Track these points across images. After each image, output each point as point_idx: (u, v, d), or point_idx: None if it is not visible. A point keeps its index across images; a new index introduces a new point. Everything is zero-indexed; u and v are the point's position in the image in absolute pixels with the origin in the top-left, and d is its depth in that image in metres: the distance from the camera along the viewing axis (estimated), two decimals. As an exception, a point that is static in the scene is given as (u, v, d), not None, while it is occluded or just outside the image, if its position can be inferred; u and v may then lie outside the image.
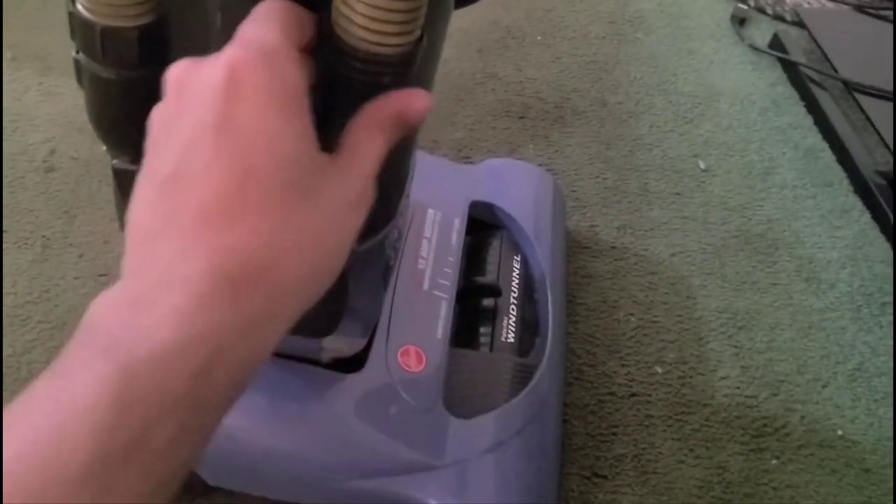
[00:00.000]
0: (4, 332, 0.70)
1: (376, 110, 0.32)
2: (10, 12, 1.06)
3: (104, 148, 0.92)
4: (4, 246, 0.77)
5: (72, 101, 0.94)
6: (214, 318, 0.24)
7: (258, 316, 0.26)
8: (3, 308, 0.71)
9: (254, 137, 0.26)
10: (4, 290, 0.73)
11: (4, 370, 0.67)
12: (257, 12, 0.30)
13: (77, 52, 0.38)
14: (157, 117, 0.29)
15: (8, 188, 0.83)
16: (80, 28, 0.36)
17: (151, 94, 0.40)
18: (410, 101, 0.33)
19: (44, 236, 0.78)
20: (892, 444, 0.71)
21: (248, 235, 0.26)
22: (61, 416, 0.22)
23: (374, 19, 0.31)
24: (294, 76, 0.28)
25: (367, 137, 0.31)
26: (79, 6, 0.36)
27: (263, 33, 0.29)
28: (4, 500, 0.21)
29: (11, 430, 0.22)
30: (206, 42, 0.35)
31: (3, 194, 0.82)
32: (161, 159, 0.27)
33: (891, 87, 1.05)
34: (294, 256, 0.27)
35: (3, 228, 0.78)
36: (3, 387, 0.65)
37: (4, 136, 0.88)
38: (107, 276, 0.75)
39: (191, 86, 0.28)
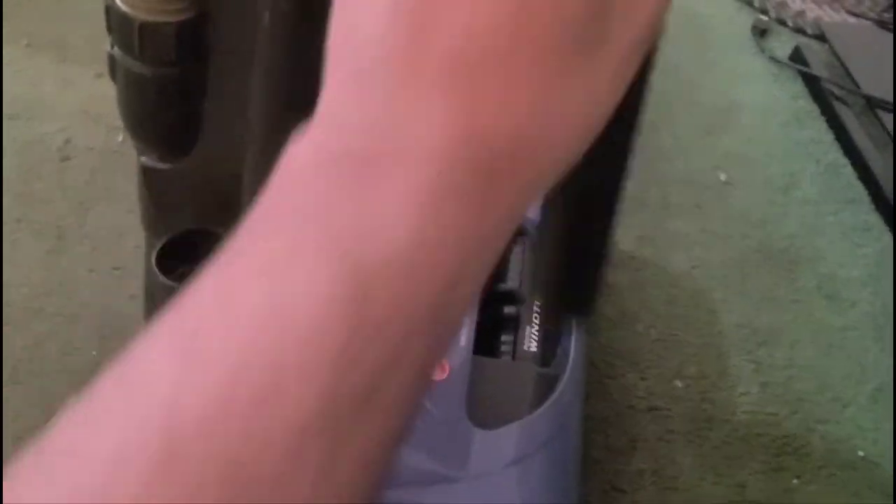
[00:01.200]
0: (18, 323, 0.68)
1: None
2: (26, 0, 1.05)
3: (120, 139, 0.92)
4: (19, 236, 0.76)
5: (88, 91, 0.92)
6: (465, 214, 0.18)
7: (506, 216, 0.19)
8: (17, 299, 0.70)
9: None
10: (18, 281, 0.72)
11: (17, 363, 0.66)
12: None
13: (112, 47, 0.37)
14: None
15: (22, 177, 0.82)
16: (117, 22, 0.35)
17: (185, 91, 0.39)
18: None
19: (58, 227, 0.77)
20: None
21: (516, 103, 0.19)
22: (281, 346, 0.16)
23: None
24: None
25: None
26: (117, 0, 0.35)
27: None
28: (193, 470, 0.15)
29: (204, 352, 0.16)
30: (251, 41, 0.34)
31: (18, 184, 0.81)
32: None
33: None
34: (561, 136, 0.20)
35: (18, 218, 0.77)
36: (18, 379, 0.64)
37: (20, 125, 0.87)
38: (121, 269, 0.74)
39: None
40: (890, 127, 1.03)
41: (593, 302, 0.35)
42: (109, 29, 0.36)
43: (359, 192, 0.18)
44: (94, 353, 0.67)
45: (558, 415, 0.59)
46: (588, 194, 0.31)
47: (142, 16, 0.35)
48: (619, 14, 0.20)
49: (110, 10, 0.36)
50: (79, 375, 0.66)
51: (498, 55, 0.18)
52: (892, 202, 0.94)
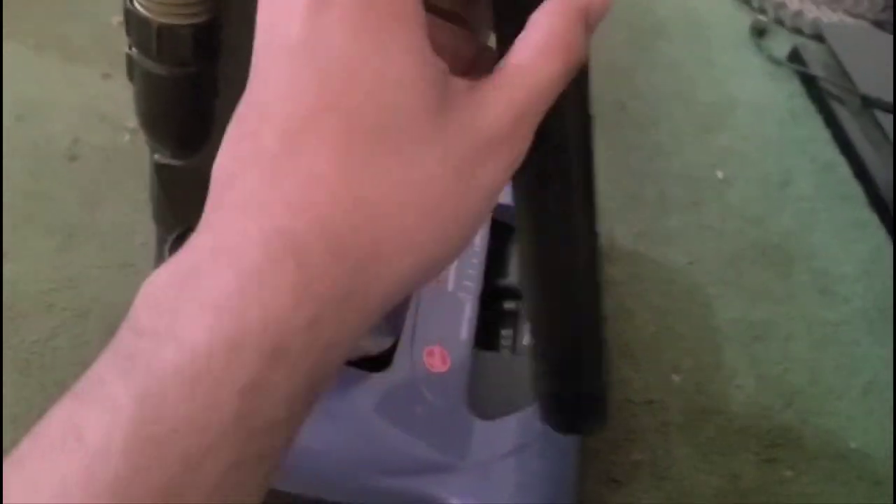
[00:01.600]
0: (29, 318, 0.70)
1: (553, 15, 0.22)
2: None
3: (126, 138, 0.93)
4: (29, 233, 0.77)
5: (95, 91, 0.94)
6: (273, 303, 0.18)
7: (336, 301, 0.19)
8: (28, 294, 0.72)
9: (337, 62, 0.20)
10: (28, 277, 0.73)
11: (29, 357, 0.67)
12: None
13: (130, 48, 0.39)
14: (257, 30, 0.23)
15: (31, 176, 0.83)
16: (136, 25, 0.37)
17: (199, 90, 0.41)
18: None
19: (67, 225, 0.79)
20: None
21: (321, 189, 0.19)
22: (65, 468, 0.17)
23: None
24: None
25: (539, 58, 0.22)
26: (136, 4, 0.37)
27: None
28: None
29: (16, 484, 0.17)
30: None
31: (27, 183, 0.82)
32: (250, 83, 0.22)
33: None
34: (389, 221, 0.20)
35: (28, 216, 0.79)
36: (30, 373, 0.66)
37: (28, 124, 0.89)
38: (130, 266, 0.76)
39: None
40: (886, 126, 1.04)
41: (605, 413, 0.32)
42: (128, 31, 0.38)
43: (175, 299, 0.19)
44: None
45: (556, 406, 0.60)
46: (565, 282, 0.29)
47: (160, 19, 0.37)
48: (455, 112, 0.21)
49: (130, 13, 0.38)
50: (88, 369, 0.67)
51: (301, 157, 0.20)
52: (886, 200, 0.95)
